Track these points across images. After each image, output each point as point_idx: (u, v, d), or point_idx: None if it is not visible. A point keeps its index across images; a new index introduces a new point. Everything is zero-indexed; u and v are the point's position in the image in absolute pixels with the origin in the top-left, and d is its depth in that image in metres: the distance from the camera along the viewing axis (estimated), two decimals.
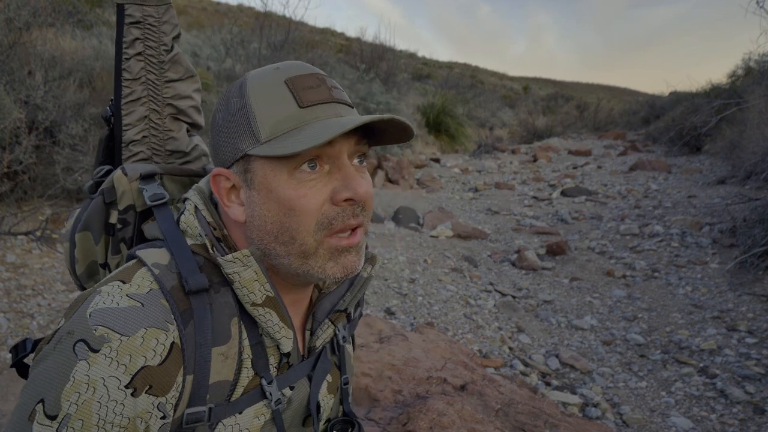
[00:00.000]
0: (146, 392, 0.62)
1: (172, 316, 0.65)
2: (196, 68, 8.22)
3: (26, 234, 3.68)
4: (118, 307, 0.63)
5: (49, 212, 4.05)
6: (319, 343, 0.81)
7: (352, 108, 0.72)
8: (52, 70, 4.42)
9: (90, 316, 0.63)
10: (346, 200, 0.68)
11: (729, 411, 2.69)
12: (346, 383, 0.89)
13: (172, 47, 0.96)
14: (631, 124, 19.18)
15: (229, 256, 0.69)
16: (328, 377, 0.86)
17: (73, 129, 4.18)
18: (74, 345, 0.61)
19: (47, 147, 4.13)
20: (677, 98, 14.43)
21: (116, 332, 0.61)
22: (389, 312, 3.51)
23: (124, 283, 0.67)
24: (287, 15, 10.91)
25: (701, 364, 3.14)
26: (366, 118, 0.64)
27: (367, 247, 0.88)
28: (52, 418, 0.58)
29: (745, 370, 2.99)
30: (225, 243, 0.73)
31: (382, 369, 2.19)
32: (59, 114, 4.17)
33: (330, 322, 0.82)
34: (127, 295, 0.65)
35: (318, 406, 0.82)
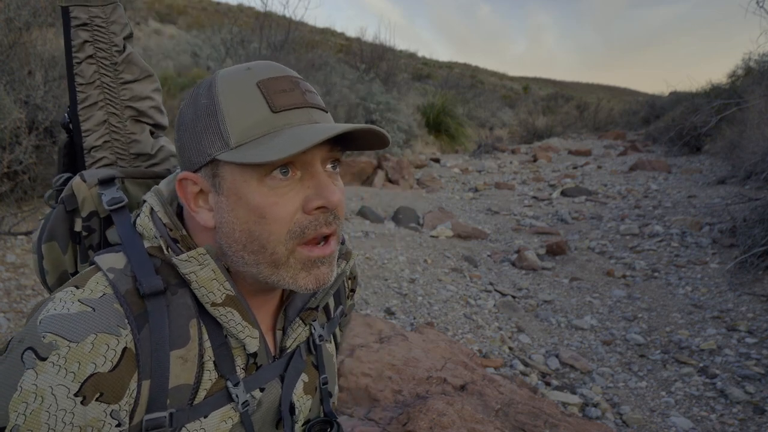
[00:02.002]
0: (97, 399, 0.60)
1: (126, 321, 0.63)
2: (196, 68, 8.23)
3: (26, 234, 3.68)
4: (68, 313, 0.62)
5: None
6: (290, 343, 0.79)
7: (326, 113, 0.71)
8: (52, 70, 4.42)
9: (40, 323, 0.61)
10: (318, 208, 0.66)
11: (729, 411, 2.69)
12: (325, 383, 0.87)
13: (125, 47, 0.93)
14: (631, 124, 19.19)
15: (184, 256, 0.67)
16: (304, 377, 0.84)
17: None
18: (22, 353, 0.60)
19: (47, 147, 4.13)
20: (677, 98, 14.44)
21: (65, 339, 0.60)
22: (389, 312, 3.51)
23: (77, 288, 0.65)
24: (287, 15, 10.91)
25: (701, 364, 3.14)
26: (340, 128, 0.62)
27: (344, 242, 0.87)
28: (1, 430, 0.57)
29: (745, 370, 2.99)
30: (183, 243, 0.71)
31: (382, 369, 2.19)
32: (59, 114, 4.17)
33: (301, 321, 0.80)
34: (78, 300, 0.63)
35: (293, 407, 0.80)
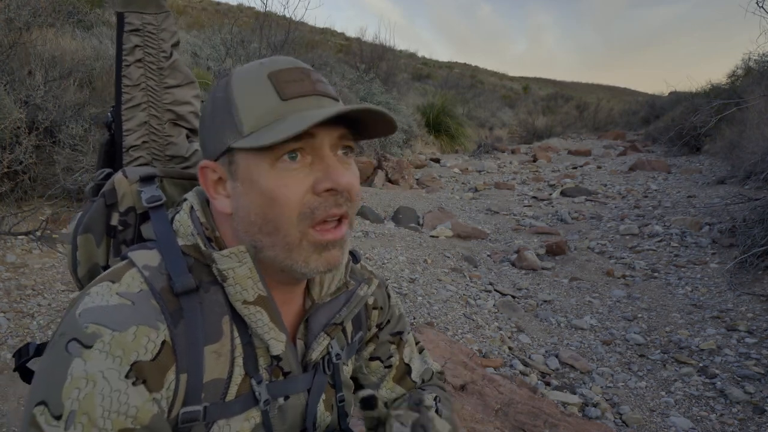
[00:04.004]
0: (143, 385, 0.62)
1: (162, 316, 0.66)
2: (196, 68, 8.23)
3: (26, 234, 3.68)
4: (108, 305, 0.64)
5: (49, 212, 4.05)
6: (314, 356, 0.80)
7: (337, 101, 0.72)
8: (52, 70, 4.42)
9: (80, 315, 0.63)
10: (327, 190, 0.67)
11: (729, 411, 2.69)
12: (342, 401, 0.88)
13: (171, 54, 0.98)
14: (631, 124, 19.20)
15: (225, 251, 0.69)
16: (323, 395, 0.85)
17: (73, 129, 4.18)
18: (66, 345, 0.61)
19: (47, 147, 4.13)
20: (677, 98, 14.46)
21: (107, 328, 0.62)
22: None
23: (113, 282, 0.67)
24: (287, 15, 10.90)
25: (701, 364, 3.14)
26: (343, 108, 0.64)
27: (358, 260, 0.90)
28: (58, 417, 0.58)
29: (745, 370, 2.99)
30: (216, 243, 0.73)
31: None
32: (59, 114, 4.18)
33: (326, 335, 0.81)
34: (117, 294, 0.65)
35: (314, 421, 0.82)
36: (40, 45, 4.58)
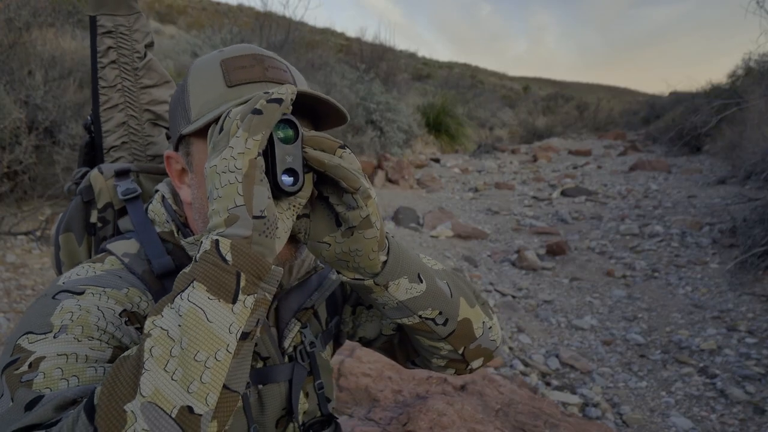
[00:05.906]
0: (136, 329, 0.62)
1: (148, 293, 0.67)
2: None
3: (26, 234, 3.68)
4: (95, 275, 0.65)
5: (49, 212, 4.05)
6: (287, 343, 0.80)
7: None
8: (52, 70, 4.42)
9: (64, 283, 0.63)
10: None
11: (729, 411, 2.69)
12: (321, 388, 0.87)
13: (145, 54, 0.99)
14: (631, 124, 19.17)
15: (191, 239, 0.71)
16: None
17: (73, 129, 4.18)
18: (54, 296, 0.61)
19: (47, 147, 4.13)
20: (677, 98, 14.44)
21: (99, 286, 0.62)
22: None
23: (95, 263, 0.69)
24: (287, 15, 10.91)
25: (701, 364, 3.14)
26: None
27: None
28: (45, 333, 0.56)
29: (745, 370, 2.99)
30: (191, 230, 0.75)
31: (382, 369, 2.19)
32: (59, 114, 4.17)
33: (297, 321, 0.81)
34: (102, 270, 0.67)
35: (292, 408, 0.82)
36: (40, 45, 4.58)
